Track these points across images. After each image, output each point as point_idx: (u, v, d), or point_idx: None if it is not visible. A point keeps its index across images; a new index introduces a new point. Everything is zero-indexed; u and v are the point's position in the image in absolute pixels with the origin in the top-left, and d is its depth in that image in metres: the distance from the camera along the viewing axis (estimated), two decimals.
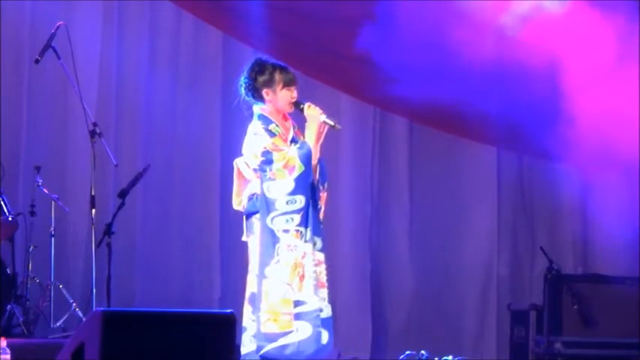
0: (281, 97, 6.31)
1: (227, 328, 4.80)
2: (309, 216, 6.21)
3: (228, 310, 4.94)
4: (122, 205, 7.92)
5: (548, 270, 8.84)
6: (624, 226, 8.50)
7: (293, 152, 6.19)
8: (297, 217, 6.16)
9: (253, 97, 6.34)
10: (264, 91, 6.30)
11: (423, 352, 7.58)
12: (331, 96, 9.30)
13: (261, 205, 6.18)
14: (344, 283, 9.39)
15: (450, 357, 7.53)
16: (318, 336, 6.16)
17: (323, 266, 6.31)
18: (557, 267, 8.84)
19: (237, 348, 6.10)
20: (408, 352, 7.63)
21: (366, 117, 9.66)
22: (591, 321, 8.61)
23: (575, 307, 8.63)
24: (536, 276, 9.65)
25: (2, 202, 8.04)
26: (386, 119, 9.74)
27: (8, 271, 8.02)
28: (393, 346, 9.37)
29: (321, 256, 6.31)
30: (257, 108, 6.35)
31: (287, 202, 6.16)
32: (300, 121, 6.46)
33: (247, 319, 6.23)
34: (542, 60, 8.11)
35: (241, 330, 6.17)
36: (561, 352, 8.60)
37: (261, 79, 6.30)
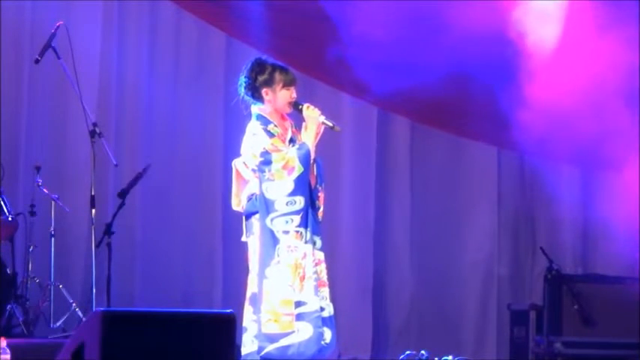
0: (280, 97, 6.31)
1: (227, 328, 4.80)
2: (308, 216, 6.21)
3: (228, 310, 4.94)
4: (122, 205, 7.92)
5: (548, 270, 8.84)
6: (624, 226, 8.50)
7: (292, 153, 6.18)
8: (297, 218, 6.16)
9: (252, 96, 6.33)
10: (263, 91, 6.30)
11: (423, 352, 7.58)
12: (333, 96, 9.31)
13: (261, 205, 6.17)
14: (345, 283, 9.39)
15: (450, 357, 7.53)
16: (319, 336, 6.16)
17: (323, 265, 6.31)
18: (557, 267, 8.84)
19: (237, 348, 6.10)
20: (408, 352, 7.63)
21: (368, 117, 9.66)
22: (591, 321, 8.61)
23: (575, 307, 8.63)
24: (536, 276, 9.66)
25: (2, 202, 8.04)
26: (387, 119, 9.75)
27: (8, 271, 8.02)
28: (393, 346, 9.37)
29: (320, 255, 6.31)
30: (255, 108, 6.34)
31: (287, 204, 6.15)
32: (296, 120, 6.46)
33: (248, 319, 6.22)
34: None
35: (241, 330, 6.17)
36: (561, 352, 8.60)
37: (261, 78, 6.29)
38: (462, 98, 8.80)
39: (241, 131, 6.46)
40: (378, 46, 8.17)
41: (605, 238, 9.27)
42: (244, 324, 6.19)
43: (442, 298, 9.68)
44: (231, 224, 8.23)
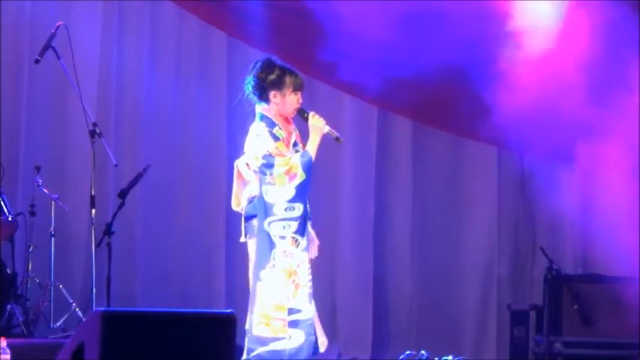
0: (289, 101, 6.27)
1: (227, 328, 4.80)
2: (306, 225, 6.20)
3: (228, 310, 4.94)
4: (122, 205, 7.92)
5: (548, 270, 8.84)
6: (624, 226, 8.50)
7: (296, 160, 6.16)
8: (295, 225, 6.14)
9: (259, 97, 6.29)
10: (271, 93, 6.26)
11: (423, 352, 7.58)
12: (333, 96, 9.30)
13: (259, 207, 6.15)
14: (346, 283, 9.39)
15: (450, 357, 7.54)
16: (310, 344, 6.13)
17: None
18: (557, 267, 8.84)
19: (238, 349, 6.08)
20: (408, 352, 7.64)
21: (369, 118, 9.64)
22: (591, 321, 8.61)
23: (575, 307, 8.63)
24: (536, 276, 9.64)
25: (2, 202, 8.04)
26: (389, 120, 9.74)
27: (8, 271, 8.02)
28: (393, 346, 9.37)
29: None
30: (260, 108, 6.31)
31: (285, 209, 6.13)
32: (297, 123, 6.45)
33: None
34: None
35: (243, 330, 6.15)
36: (561, 352, 8.60)
37: (270, 78, 6.25)
38: (456, 92, 8.78)
39: (244, 131, 6.46)
40: (373, 44, 8.17)
41: (605, 238, 9.26)
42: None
43: (442, 298, 9.67)
44: (234, 224, 8.22)
